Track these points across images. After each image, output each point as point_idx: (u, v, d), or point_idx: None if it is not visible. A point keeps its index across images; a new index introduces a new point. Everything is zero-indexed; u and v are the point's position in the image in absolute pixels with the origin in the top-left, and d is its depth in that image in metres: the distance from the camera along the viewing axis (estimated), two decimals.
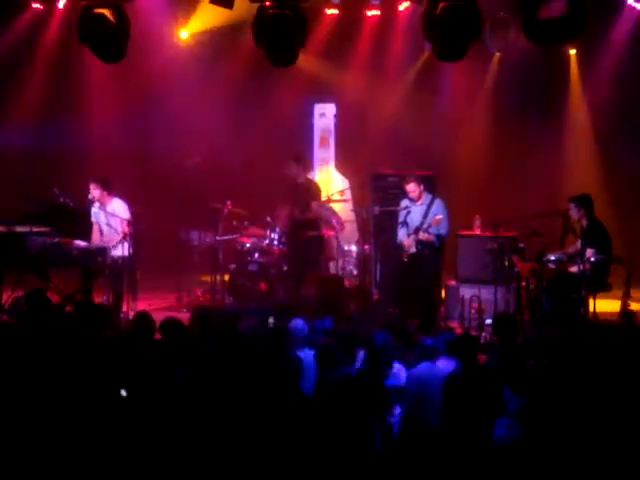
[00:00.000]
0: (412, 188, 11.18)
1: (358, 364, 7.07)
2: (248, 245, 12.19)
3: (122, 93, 14.90)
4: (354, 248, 12.52)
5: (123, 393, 6.18)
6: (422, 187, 11.18)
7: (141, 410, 6.00)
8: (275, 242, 12.05)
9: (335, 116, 14.80)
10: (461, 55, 9.18)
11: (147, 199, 13.00)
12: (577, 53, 14.07)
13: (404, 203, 11.27)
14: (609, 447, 5.66)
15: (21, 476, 5.46)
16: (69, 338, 7.15)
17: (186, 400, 6.19)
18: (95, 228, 11.26)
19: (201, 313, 8.60)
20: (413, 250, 11.05)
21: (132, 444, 5.63)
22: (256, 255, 12.10)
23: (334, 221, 12.52)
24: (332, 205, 12.49)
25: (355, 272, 12.41)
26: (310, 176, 13.18)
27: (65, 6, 13.41)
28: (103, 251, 10.91)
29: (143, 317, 7.80)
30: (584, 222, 10.48)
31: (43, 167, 14.31)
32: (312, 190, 12.20)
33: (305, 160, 12.61)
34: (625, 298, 10.44)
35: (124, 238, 10.99)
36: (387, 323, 8.63)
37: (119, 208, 11.16)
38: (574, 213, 10.51)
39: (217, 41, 14.50)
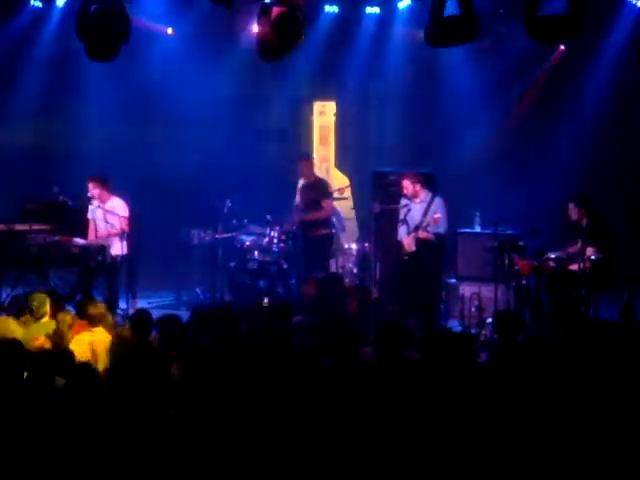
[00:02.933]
0: (406, 185, 11.21)
1: None
2: (248, 243, 12.20)
3: (122, 92, 14.88)
4: (354, 246, 12.52)
5: None
6: (418, 186, 11.17)
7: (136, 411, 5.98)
8: (275, 240, 12.05)
9: (335, 114, 14.79)
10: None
11: (147, 197, 13.00)
12: (576, 51, 14.02)
13: (404, 201, 11.27)
14: (609, 446, 5.65)
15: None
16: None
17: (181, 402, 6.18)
18: (91, 225, 11.28)
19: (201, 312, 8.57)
20: (413, 249, 11.05)
21: (127, 446, 5.61)
22: (256, 253, 12.10)
23: (334, 219, 12.56)
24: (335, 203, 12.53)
25: (355, 270, 12.40)
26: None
27: (65, 4, 13.39)
28: (102, 249, 10.91)
29: (141, 314, 7.82)
30: (584, 221, 10.47)
31: (42, 165, 14.30)
32: (323, 188, 12.22)
33: (313, 158, 12.64)
34: (625, 296, 10.44)
35: (122, 236, 10.99)
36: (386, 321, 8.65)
37: (119, 206, 11.18)
38: (574, 213, 10.51)
39: (216, 39, 14.46)
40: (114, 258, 11.02)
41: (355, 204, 13.40)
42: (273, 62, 9.85)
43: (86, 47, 9.35)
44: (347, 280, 12.13)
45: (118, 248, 11.07)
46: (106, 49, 9.40)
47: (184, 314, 10.20)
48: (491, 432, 5.77)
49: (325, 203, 12.05)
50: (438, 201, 11.18)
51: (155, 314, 8.08)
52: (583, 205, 10.48)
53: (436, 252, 11.16)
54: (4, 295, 10.80)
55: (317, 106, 14.82)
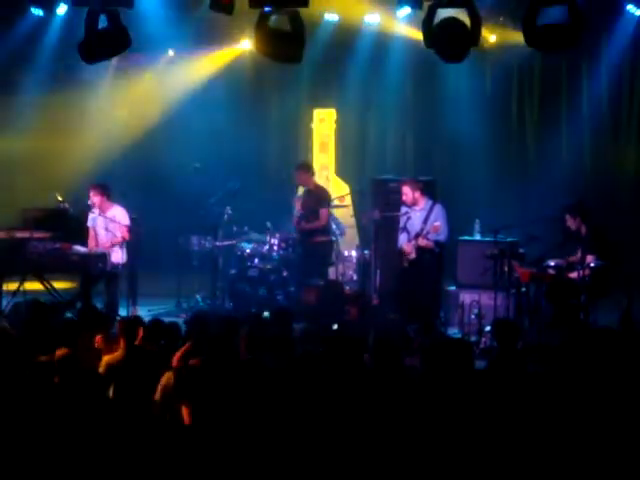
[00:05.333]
0: (405, 191, 11.21)
1: None
2: (248, 251, 12.21)
3: (122, 98, 14.93)
4: (354, 253, 12.54)
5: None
6: (418, 193, 11.18)
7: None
8: (275, 247, 12.07)
9: (335, 122, 14.82)
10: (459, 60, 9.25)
11: (147, 204, 13.02)
12: (576, 58, 14.03)
13: (404, 209, 11.29)
14: (609, 453, 5.65)
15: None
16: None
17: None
18: (91, 234, 11.30)
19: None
20: (413, 256, 11.06)
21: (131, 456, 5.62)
22: (256, 260, 12.12)
23: (334, 226, 12.59)
24: (333, 211, 12.56)
25: (355, 277, 12.42)
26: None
27: (66, 13, 13.42)
28: (103, 257, 10.93)
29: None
30: (583, 229, 10.50)
31: (43, 173, 14.32)
32: (322, 197, 12.26)
33: (312, 167, 12.71)
34: (625, 303, 10.44)
35: (122, 243, 11.02)
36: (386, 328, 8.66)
37: (119, 215, 11.20)
38: (571, 223, 10.56)
39: (217, 45, 14.50)
40: (114, 266, 11.04)
41: (355, 212, 13.41)
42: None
43: (81, 43, 9.40)
44: (347, 287, 12.14)
45: (118, 256, 11.09)
46: (99, 54, 9.49)
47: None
48: (490, 439, 5.77)
49: (322, 212, 12.10)
50: (438, 208, 11.19)
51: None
52: (577, 214, 10.51)
53: (436, 260, 11.17)
54: (4, 302, 10.80)
55: (317, 114, 14.84)
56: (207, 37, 14.10)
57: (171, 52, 14.68)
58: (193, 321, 8.28)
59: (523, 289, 10.64)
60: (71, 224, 11.39)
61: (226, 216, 12.37)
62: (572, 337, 8.97)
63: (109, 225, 11.16)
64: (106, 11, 9.19)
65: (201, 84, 14.75)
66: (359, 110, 14.86)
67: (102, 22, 9.30)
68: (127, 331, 7.33)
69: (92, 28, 9.23)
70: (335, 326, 9.60)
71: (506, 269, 10.62)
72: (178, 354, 6.94)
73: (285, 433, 5.76)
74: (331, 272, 12.47)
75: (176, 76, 14.69)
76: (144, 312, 11.20)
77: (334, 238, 12.50)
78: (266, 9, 9.11)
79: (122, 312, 11.13)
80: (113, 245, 11.10)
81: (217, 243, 12.42)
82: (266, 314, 9.24)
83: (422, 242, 11.01)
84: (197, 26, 13.55)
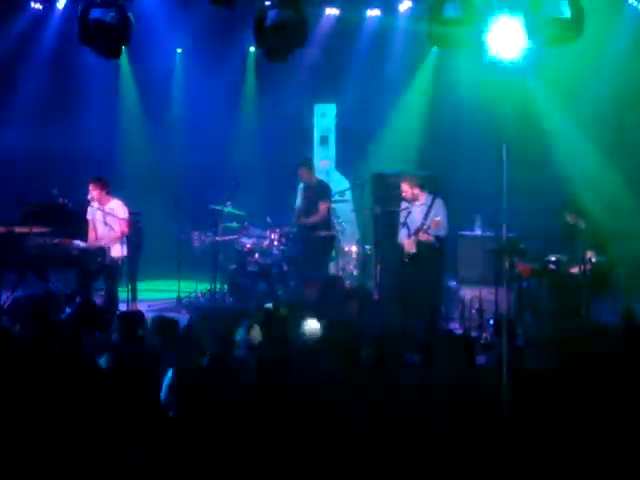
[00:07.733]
0: (404, 188, 11.17)
1: None
2: (248, 245, 12.20)
3: (122, 93, 14.92)
4: (354, 249, 12.52)
5: None
6: (417, 190, 11.13)
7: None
8: (275, 242, 12.06)
9: (336, 116, 14.80)
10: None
11: (147, 199, 13.00)
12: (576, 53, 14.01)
13: (405, 204, 11.26)
14: (609, 450, 5.64)
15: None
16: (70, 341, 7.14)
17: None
18: (90, 227, 11.29)
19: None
20: (414, 251, 11.04)
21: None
22: (256, 255, 12.11)
23: (335, 221, 12.59)
24: (333, 206, 12.55)
25: (355, 272, 12.41)
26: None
27: (64, 6, 13.42)
28: (102, 251, 10.92)
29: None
30: (581, 224, 10.51)
31: (42, 167, 14.31)
32: (323, 191, 12.25)
33: (313, 162, 12.72)
34: (625, 298, 10.44)
35: (121, 238, 11.01)
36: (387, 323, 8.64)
37: (118, 208, 11.19)
38: (570, 219, 10.59)
39: (217, 42, 14.48)
40: (114, 260, 11.03)
41: (355, 206, 13.40)
42: (277, 62, 9.85)
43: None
44: (348, 282, 12.13)
45: (118, 250, 11.07)
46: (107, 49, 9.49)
47: (184, 316, 10.22)
48: (491, 434, 5.76)
49: (321, 206, 12.09)
50: (439, 203, 11.15)
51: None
52: (572, 210, 10.56)
53: (437, 254, 11.14)
54: (4, 298, 10.79)
55: (318, 108, 14.83)
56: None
57: (179, 50, 14.72)
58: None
59: (524, 284, 10.63)
60: (70, 219, 11.37)
61: (226, 211, 12.36)
62: (573, 332, 8.98)
63: (108, 219, 11.14)
64: (114, 10, 9.19)
65: (201, 76, 14.73)
66: (359, 104, 14.84)
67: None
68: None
69: (85, 19, 9.23)
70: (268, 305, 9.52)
71: (507, 264, 10.59)
72: None
73: (282, 428, 5.74)
74: (332, 267, 12.46)
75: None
76: (144, 307, 11.20)
77: (335, 233, 12.49)
78: (267, 3, 9.09)
79: (122, 307, 11.12)
80: (113, 241, 11.08)
81: (217, 238, 12.41)
82: (268, 305, 9.22)
83: (422, 236, 10.98)
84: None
